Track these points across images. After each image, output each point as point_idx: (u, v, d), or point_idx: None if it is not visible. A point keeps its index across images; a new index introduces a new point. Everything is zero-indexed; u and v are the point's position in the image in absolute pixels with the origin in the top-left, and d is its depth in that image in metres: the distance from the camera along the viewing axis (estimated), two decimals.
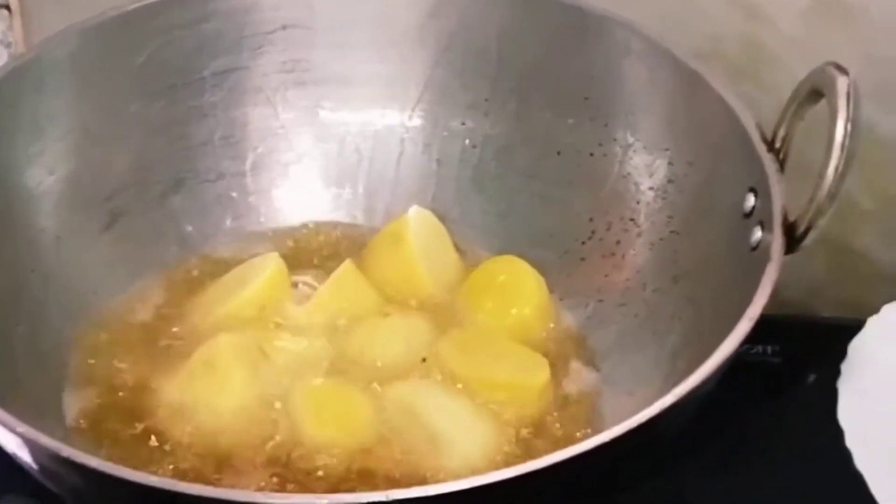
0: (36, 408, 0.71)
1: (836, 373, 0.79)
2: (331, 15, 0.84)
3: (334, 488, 0.70)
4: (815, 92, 0.69)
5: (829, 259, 0.91)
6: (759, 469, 0.77)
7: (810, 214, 0.67)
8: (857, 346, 0.76)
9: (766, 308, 0.65)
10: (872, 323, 0.78)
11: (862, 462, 0.70)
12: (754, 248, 0.69)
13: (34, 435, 0.60)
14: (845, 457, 0.71)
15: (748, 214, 0.71)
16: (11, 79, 0.76)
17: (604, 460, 0.60)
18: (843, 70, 0.67)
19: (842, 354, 0.77)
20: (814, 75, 0.69)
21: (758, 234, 0.69)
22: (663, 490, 0.75)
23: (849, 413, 0.72)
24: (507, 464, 0.70)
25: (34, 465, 0.63)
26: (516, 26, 0.83)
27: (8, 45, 0.91)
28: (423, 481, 0.70)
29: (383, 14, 0.84)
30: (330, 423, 0.72)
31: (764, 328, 0.65)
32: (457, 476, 0.69)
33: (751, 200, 0.71)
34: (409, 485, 0.67)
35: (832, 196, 0.66)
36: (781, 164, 0.71)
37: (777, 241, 0.67)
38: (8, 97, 0.76)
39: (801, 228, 0.67)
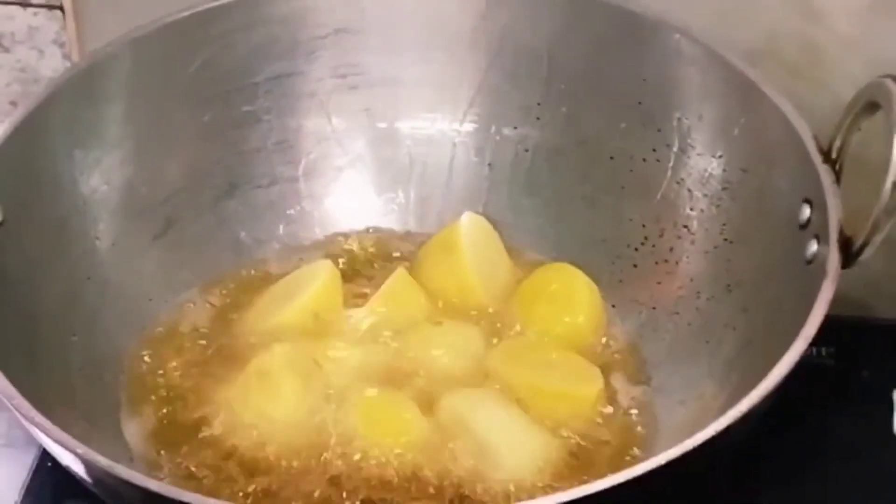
0: (92, 419, 0.72)
1: (893, 378, 0.78)
2: (382, 18, 0.84)
3: (385, 498, 0.70)
4: (872, 104, 0.69)
5: (887, 256, 0.90)
6: (809, 477, 0.77)
7: (868, 230, 0.66)
8: None
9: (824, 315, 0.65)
10: None
11: None
12: (810, 262, 0.69)
13: (92, 456, 0.60)
14: None
15: (804, 226, 0.71)
16: (67, 88, 0.77)
17: (654, 484, 0.60)
18: None
19: None
20: (871, 87, 0.69)
21: (814, 246, 0.69)
22: (710, 496, 0.74)
23: None
24: (555, 476, 0.71)
25: (89, 481, 0.64)
26: (567, 29, 0.82)
27: (61, 45, 0.91)
28: (472, 492, 0.70)
29: (434, 17, 0.84)
30: (382, 432, 0.73)
31: (819, 329, 0.65)
32: (505, 488, 0.70)
33: (806, 212, 0.71)
34: (458, 496, 0.69)
35: (890, 211, 0.66)
36: (838, 176, 0.70)
37: (833, 257, 0.67)
38: (64, 107, 0.77)
39: (858, 244, 0.67)
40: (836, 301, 0.66)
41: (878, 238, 0.66)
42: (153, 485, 0.58)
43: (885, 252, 0.88)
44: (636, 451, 0.73)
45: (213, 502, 0.57)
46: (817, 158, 0.71)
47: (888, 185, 0.65)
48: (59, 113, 0.76)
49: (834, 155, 0.71)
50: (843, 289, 0.89)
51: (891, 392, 0.76)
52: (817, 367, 0.82)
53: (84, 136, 0.78)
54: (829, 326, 0.66)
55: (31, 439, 0.76)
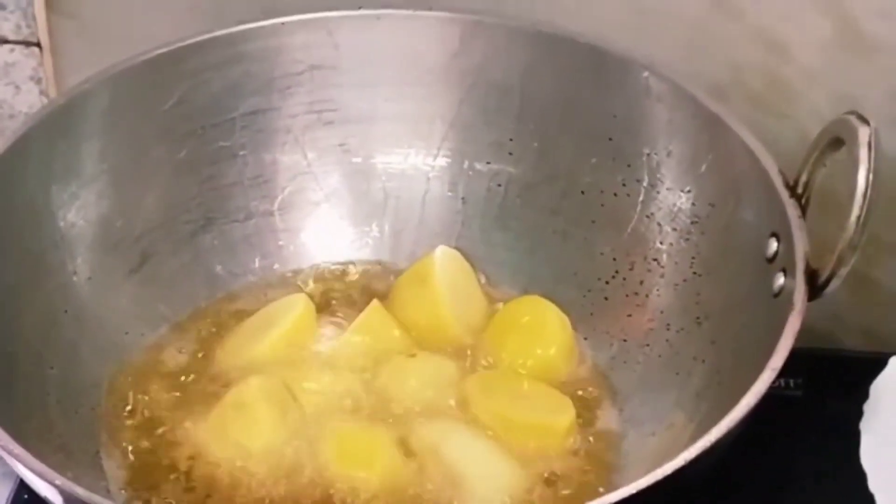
0: (69, 451, 0.73)
1: (860, 410, 0.79)
2: (356, 55, 0.85)
3: None
4: (837, 140, 0.70)
5: (853, 290, 0.92)
6: None
7: (833, 263, 0.68)
8: (878, 385, 0.77)
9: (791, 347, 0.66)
10: (894, 362, 0.78)
11: None
12: (777, 294, 0.70)
13: (70, 487, 0.61)
14: (867, 500, 0.71)
15: (771, 259, 0.72)
16: (43, 125, 0.77)
17: None
18: (864, 120, 0.68)
19: (866, 389, 0.78)
20: (836, 124, 0.70)
21: (780, 279, 0.70)
22: None
23: (872, 455, 0.72)
24: None
25: None
26: (539, 66, 0.83)
27: (38, 82, 0.92)
28: None
29: (408, 54, 0.85)
30: (356, 464, 0.73)
31: (787, 361, 0.66)
32: None
33: (773, 245, 0.72)
34: None
35: (854, 246, 0.67)
36: (804, 210, 0.71)
37: (799, 289, 0.68)
38: (40, 143, 0.77)
39: (824, 276, 0.68)
40: (803, 333, 0.67)
41: (843, 271, 0.68)
42: None
43: (852, 285, 0.90)
44: (607, 481, 0.74)
45: None
46: (784, 193, 0.72)
47: (852, 219, 0.67)
48: (35, 148, 0.77)
49: (800, 189, 0.72)
50: (811, 321, 0.90)
51: (857, 423, 0.77)
52: (785, 399, 0.83)
53: (61, 171, 0.79)
54: (797, 358, 0.67)
55: (8, 472, 0.77)
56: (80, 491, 0.60)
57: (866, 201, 0.67)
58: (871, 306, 0.93)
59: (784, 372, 0.82)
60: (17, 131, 0.76)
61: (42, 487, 0.63)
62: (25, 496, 0.78)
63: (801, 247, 0.69)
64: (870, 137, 0.67)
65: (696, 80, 0.80)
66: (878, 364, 0.80)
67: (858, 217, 0.67)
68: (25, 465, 0.62)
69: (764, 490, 0.79)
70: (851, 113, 0.69)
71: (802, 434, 0.82)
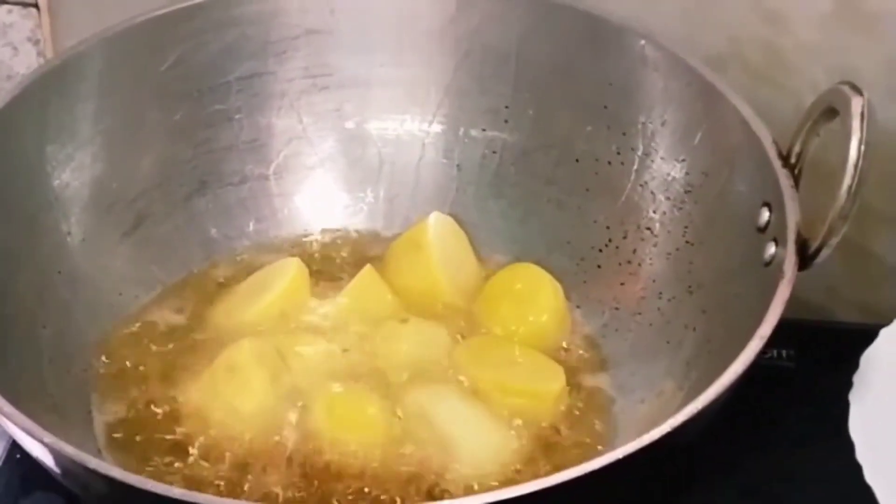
0: (61, 411, 0.73)
1: (851, 381, 0.79)
2: (352, 20, 0.85)
3: (350, 492, 0.71)
4: (830, 110, 0.70)
5: (846, 261, 0.92)
6: (766, 477, 0.78)
7: (824, 233, 0.68)
8: (869, 357, 0.77)
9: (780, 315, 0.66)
10: (885, 334, 0.78)
11: (872, 476, 0.70)
12: (768, 263, 0.70)
13: (59, 445, 0.61)
14: (856, 470, 0.71)
15: (762, 229, 0.72)
16: (39, 85, 0.77)
17: (612, 478, 0.61)
18: (857, 90, 0.68)
19: (858, 361, 0.78)
20: (829, 94, 0.70)
21: (772, 249, 0.70)
22: (666, 498, 0.76)
23: (860, 426, 0.72)
24: (518, 472, 0.72)
25: (58, 471, 0.64)
26: (536, 33, 0.83)
27: (36, 43, 0.92)
28: (434, 487, 0.71)
29: (404, 19, 0.85)
30: (347, 427, 0.73)
31: (779, 332, 0.66)
32: (467, 482, 0.71)
33: (765, 215, 0.72)
34: (420, 490, 0.70)
35: (845, 216, 0.67)
36: (796, 180, 0.71)
37: (790, 259, 0.68)
38: (35, 103, 0.77)
39: (814, 246, 0.68)
40: (797, 305, 0.68)
41: (833, 241, 0.68)
42: (117, 473, 0.59)
43: (845, 257, 0.90)
44: (597, 447, 0.74)
45: (177, 491, 0.58)
46: (777, 163, 0.72)
47: (844, 189, 0.67)
48: (30, 109, 0.77)
49: (793, 159, 0.72)
50: (805, 293, 0.91)
51: (848, 394, 0.77)
52: (778, 370, 0.84)
53: (56, 132, 0.79)
54: (790, 330, 0.67)
55: (1, 433, 0.77)
56: (68, 449, 0.61)
57: (857, 171, 0.67)
58: (865, 279, 0.93)
59: (777, 343, 0.82)
60: (11, 91, 0.76)
61: (31, 445, 0.63)
62: (18, 455, 0.78)
63: (792, 216, 0.69)
64: (863, 107, 0.67)
65: (694, 51, 0.80)
66: (872, 336, 0.79)
67: (850, 187, 0.67)
68: (15, 423, 0.62)
69: (755, 460, 0.79)
70: (845, 83, 0.69)
71: (794, 405, 0.82)
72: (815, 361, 0.85)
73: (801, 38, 0.85)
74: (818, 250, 0.68)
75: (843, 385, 0.78)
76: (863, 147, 0.66)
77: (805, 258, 0.68)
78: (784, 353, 0.85)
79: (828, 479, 0.76)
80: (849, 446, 0.73)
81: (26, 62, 0.92)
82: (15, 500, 0.77)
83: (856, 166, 0.67)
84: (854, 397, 0.74)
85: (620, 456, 0.60)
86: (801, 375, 0.84)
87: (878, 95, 0.69)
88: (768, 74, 0.86)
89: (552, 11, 0.83)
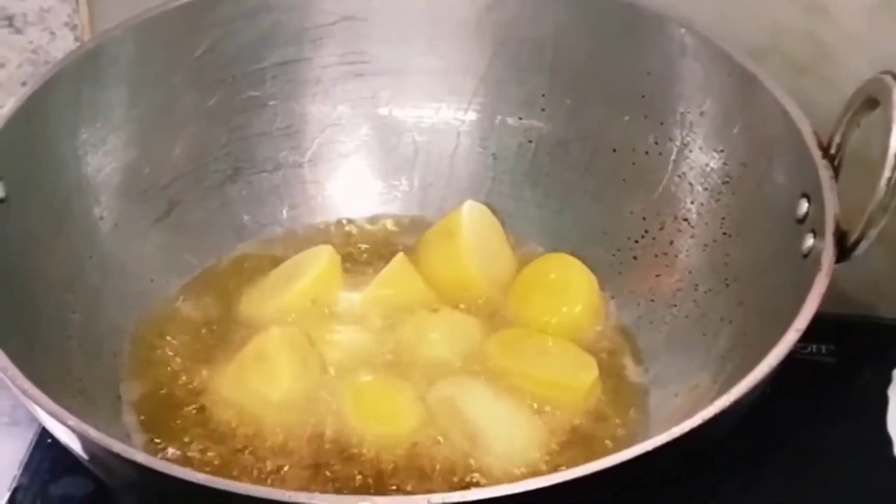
0: (89, 396, 0.73)
1: (891, 377, 0.78)
2: (388, 7, 0.84)
3: (376, 481, 0.71)
4: (871, 100, 0.69)
5: (889, 256, 0.91)
6: (802, 473, 0.77)
7: (862, 225, 0.66)
8: None
9: (822, 307, 0.65)
10: None
11: None
12: (806, 255, 0.69)
13: (83, 428, 0.61)
14: (893, 466, 0.70)
15: (801, 220, 0.71)
16: (72, 69, 0.78)
17: (644, 469, 0.60)
18: None
19: None
20: (870, 84, 0.69)
21: (810, 241, 0.69)
22: (704, 492, 0.75)
23: None
24: (547, 464, 0.71)
25: (84, 456, 0.64)
26: (572, 22, 0.83)
27: (73, 28, 0.92)
28: (462, 479, 0.70)
29: (440, 7, 0.84)
30: (375, 418, 0.73)
31: (820, 326, 0.65)
32: (496, 474, 0.70)
33: (804, 206, 0.71)
34: (448, 480, 0.69)
35: (885, 207, 0.66)
36: (836, 171, 0.70)
37: (828, 251, 0.67)
38: (69, 87, 0.77)
39: (853, 238, 0.67)
40: (838, 300, 0.67)
41: (873, 233, 0.67)
42: (142, 458, 0.59)
43: (887, 252, 0.89)
44: (629, 440, 0.73)
45: (201, 477, 0.58)
46: (816, 154, 0.71)
47: (883, 180, 0.66)
48: (64, 93, 0.77)
49: (833, 150, 0.71)
50: (846, 288, 0.90)
51: (887, 390, 0.76)
52: (817, 365, 0.83)
53: (89, 116, 0.79)
54: (830, 325, 0.66)
55: (34, 417, 0.77)
56: (93, 433, 0.60)
57: None
58: None
59: (817, 338, 0.82)
60: (45, 75, 0.76)
61: (57, 429, 0.63)
62: (48, 440, 0.78)
63: (831, 208, 0.68)
64: None
65: (735, 43, 0.79)
66: None
67: (889, 178, 0.66)
68: (41, 407, 0.62)
69: (792, 454, 0.78)
70: (887, 72, 0.68)
71: (833, 400, 0.81)
72: (855, 357, 0.84)
73: (844, 29, 0.84)
74: (857, 242, 0.67)
75: (883, 381, 0.78)
76: None
77: (843, 250, 0.67)
78: (824, 348, 0.84)
79: (865, 475, 0.75)
80: (887, 442, 0.72)
81: (63, 47, 0.91)
82: (44, 485, 0.77)
83: None
84: (893, 393, 0.74)
85: (650, 448, 0.59)
86: (842, 371, 0.83)
87: None
88: (810, 67, 0.85)
89: (589, 0, 0.82)
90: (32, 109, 0.75)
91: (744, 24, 0.84)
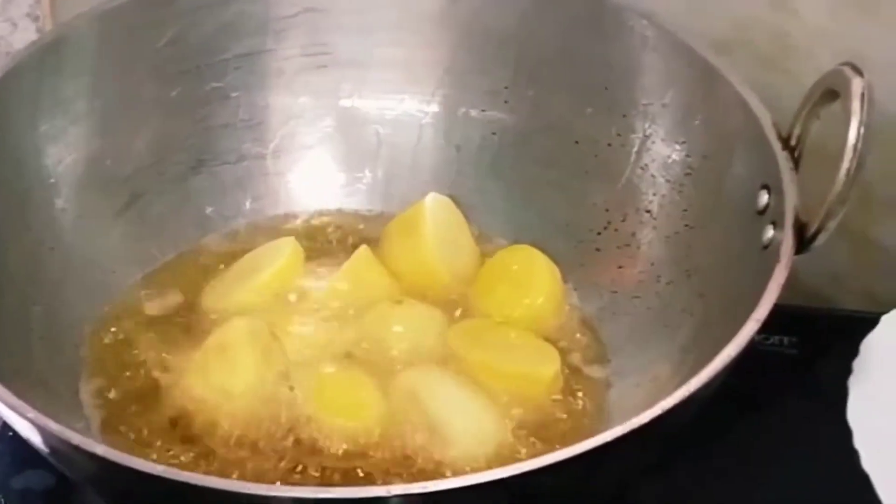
0: (50, 389, 0.73)
1: (851, 369, 0.78)
2: None
3: (340, 473, 0.71)
4: (830, 91, 0.69)
5: (851, 249, 0.91)
6: (764, 463, 0.77)
7: (822, 216, 0.67)
8: (869, 344, 0.76)
9: (785, 298, 0.65)
10: (886, 321, 0.77)
11: (869, 463, 0.69)
12: (766, 247, 0.69)
13: (43, 421, 0.60)
14: (853, 456, 0.70)
15: (761, 212, 0.71)
16: (33, 59, 0.77)
17: (603, 460, 0.60)
18: (858, 71, 0.67)
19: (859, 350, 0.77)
20: (829, 75, 0.69)
21: (770, 232, 0.69)
22: (668, 482, 0.75)
23: (858, 413, 0.72)
24: (509, 456, 0.71)
25: (45, 449, 0.64)
26: (536, 14, 0.82)
27: (35, 19, 0.92)
28: (424, 469, 0.70)
29: None
30: (337, 409, 0.73)
31: (783, 318, 0.65)
32: (455, 466, 0.70)
33: (764, 198, 0.71)
34: (411, 471, 0.69)
35: (843, 199, 0.66)
36: (796, 163, 0.71)
37: (787, 242, 0.67)
38: (29, 77, 0.77)
39: (813, 229, 0.67)
40: (800, 292, 0.67)
41: (832, 224, 0.67)
42: (101, 450, 0.58)
43: (848, 244, 0.90)
44: (591, 431, 0.73)
45: (160, 469, 0.58)
46: (776, 145, 0.71)
47: (842, 172, 0.66)
48: (24, 84, 0.76)
49: (793, 142, 0.71)
50: (809, 280, 0.90)
51: (848, 380, 0.76)
52: (780, 357, 0.83)
53: (49, 107, 0.78)
54: (793, 317, 0.67)
55: None
56: (52, 425, 0.60)
57: (857, 154, 0.66)
58: (869, 267, 0.92)
59: (780, 330, 0.83)
60: (5, 66, 0.76)
61: (16, 422, 0.63)
62: (10, 434, 0.78)
63: (791, 199, 0.68)
64: (863, 89, 0.66)
65: (700, 36, 0.79)
66: (875, 324, 0.79)
67: (849, 170, 0.66)
68: (0, 400, 0.62)
69: (755, 445, 0.79)
70: (846, 64, 0.68)
71: (796, 391, 0.82)
72: (817, 349, 0.84)
73: (808, 23, 0.85)
74: (816, 234, 0.67)
75: (845, 372, 0.78)
76: (862, 129, 0.65)
77: (803, 241, 0.67)
78: (786, 340, 0.84)
79: (825, 466, 0.76)
80: (847, 433, 0.72)
81: (25, 38, 0.91)
82: (6, 479, 0.76)
83: (855, 148, 0.66)
84: (853, 384, 0.74)
85: (609, 439, 0.59)
86: (804, 362, 0.83)
87: (887, 82, 0.68)
88: (775, 61, 0.86)
89: None
90: None
91: (708, 17, 0.85)
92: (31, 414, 0.61)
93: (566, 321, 0.80)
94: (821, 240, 0.67)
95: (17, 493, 0.75)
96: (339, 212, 0.86)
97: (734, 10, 0.85)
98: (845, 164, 0.66)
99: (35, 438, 0.63)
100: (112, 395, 0.75)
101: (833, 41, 0.84)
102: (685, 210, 0.78)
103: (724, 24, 0.85)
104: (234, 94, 0.84)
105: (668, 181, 0.79)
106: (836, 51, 0.83)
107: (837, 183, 0.66)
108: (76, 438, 0.60)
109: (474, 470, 0.69)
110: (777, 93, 0.78)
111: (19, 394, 0.62)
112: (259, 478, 0.70)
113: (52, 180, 0.78)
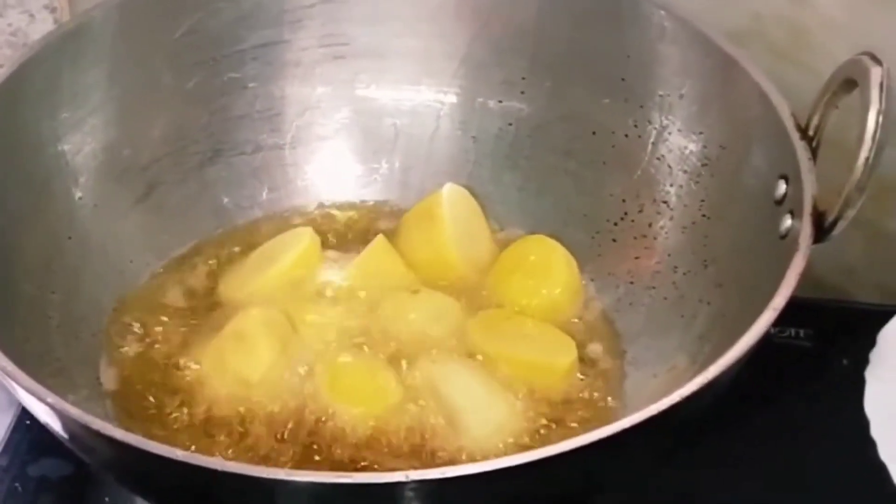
0: (68, 376, 0.73)
1: (867, 360, 0.78)
2: None
3: (356, 460, 0.71)
4: (849, 81, 0.69)
5: (867, 242, 0.91)
6: (781, 454, 0.77)
7: (840, 205, 0.66)
8: (886, 335, 0.76)
9: (800, 291, 0.65)
10: None
11: (886, 453, 0.69)
12: (784, 236, 0.69)
13: (62, 406, 0.60)
14: (871, 446, 0.70)
15: (779, 202, 0.71)
16: (52, 49, 0.77)
17: (620, 448, 0.60)
18: (877, 60, 0.67)
19: (875, 341, 0.77)
20: (848, 65, 0.69)
21: (788, 222, 0.69)
22: (682, 473, 0.75)
23: (875, 403, 0.72)
24: (524, 445, 0.71)
25: (64, 434, 0.64)
26: (553, 4, 0.82)
27: (53, 10, 0.92)
28: (440, 457, 0.71)
29: None
30: (353, 398, 0.73)
31: (797, 311, 0.65)
32: (471, 454, 0.71)
33: (782, 188, 0.71)
34: (425, 460, 0.70)
35: (862, 188, 0.66)
36: (814, 153, 0.70)
37: (805, 231, 0.67)
38: (48, 67, 0.77)
39: (830, 218, 0.67)
40: (815, 285, 0.67)
41: (850, 213, 0.67)
42: (120, 434, 0.58)
43: (863, 237, 0.89)
44: (607, 421, 0.73)
45: (180, 453, 0.58)
46: (794, 135, 0.71)
47: (860, 161, 0.66)
48: (43, 75, 0.76)
49: (811, 132, 0.71)
50: (824, 273, 0.90)
51: (865, 371, 0.76)
52: (795, 349, 0.83)
53: (68, 97, 0.78)
54: (808, 310, 0.67)
55: (12, 400, 0.77)
56: (72, 410, 0.60)
57: (875, 143, 0.65)
58: (885, 260, 0.92)
59: (795, 323, 0.83)
60: (23, 55, 0.76)
61: (36, 407, 0.63)
62: (27, 421, 0.78)
63: (809, 188, 0.68)
64: (882, 78, 0.66)
65: (716, 27, 0.79)
66: (890, 317, 0.79)
67: (867, 159, 0.65)
68: (20, 385, 0.62)
69: (771, 437, 0.79)
70: (865, 53, 0.68)
71: (810, 383, 0.82)
72: (832, 341, 0.84)
73: (825, 15, 0.85)
74: (834, 223, 0.67)
75: (860, 365, 0.78)
76: (881, 118, 0.65)
77: (821, 231, 0.67)
78: (802, 332, 0.84)
79: (842, 457, 0.76)
80: (864, 423, 0.72)
81: (42, 29, 0.91)
82: (23, 466, 0.77)
83: (873, 137, 0.65)
84: (870, 374, 0.74)
85: (626, 426, 0.59)
86: (820, 354, 0.83)
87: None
88: (791, 52, 0.86)
89: None
90: (11, 91, 0.74)
91: (724, 8, 0.84)
92: (51, 399, 0.61)
93: (583, 311, 0.80)
94: (839, 229, 0.67)
95: (34, 480, 0.76)
96: (356, 202, 0.86)
97: (751, 1, 0.85)
98: (864, 153, 0.65)
99: (55, 424, 0.63)
100: (130, 382, 0.76)
101: (849, 33, 0.84)
102: (702, 200, 0.78)
103: (740, 15, 0.85)
104: (250, 85, 0.84)
105: (684, 171, 0.79)
106: (851, 43, 0.83)
107: (856, 171, 0.66)
108: (96, 423, 0.60)
109: (490, 457, 0.70)
110: (792, 85, 0.78)
111: (39, 379, 0.62)
112: (276, 464, 0.70)
113: (71, 170, 0.79)
